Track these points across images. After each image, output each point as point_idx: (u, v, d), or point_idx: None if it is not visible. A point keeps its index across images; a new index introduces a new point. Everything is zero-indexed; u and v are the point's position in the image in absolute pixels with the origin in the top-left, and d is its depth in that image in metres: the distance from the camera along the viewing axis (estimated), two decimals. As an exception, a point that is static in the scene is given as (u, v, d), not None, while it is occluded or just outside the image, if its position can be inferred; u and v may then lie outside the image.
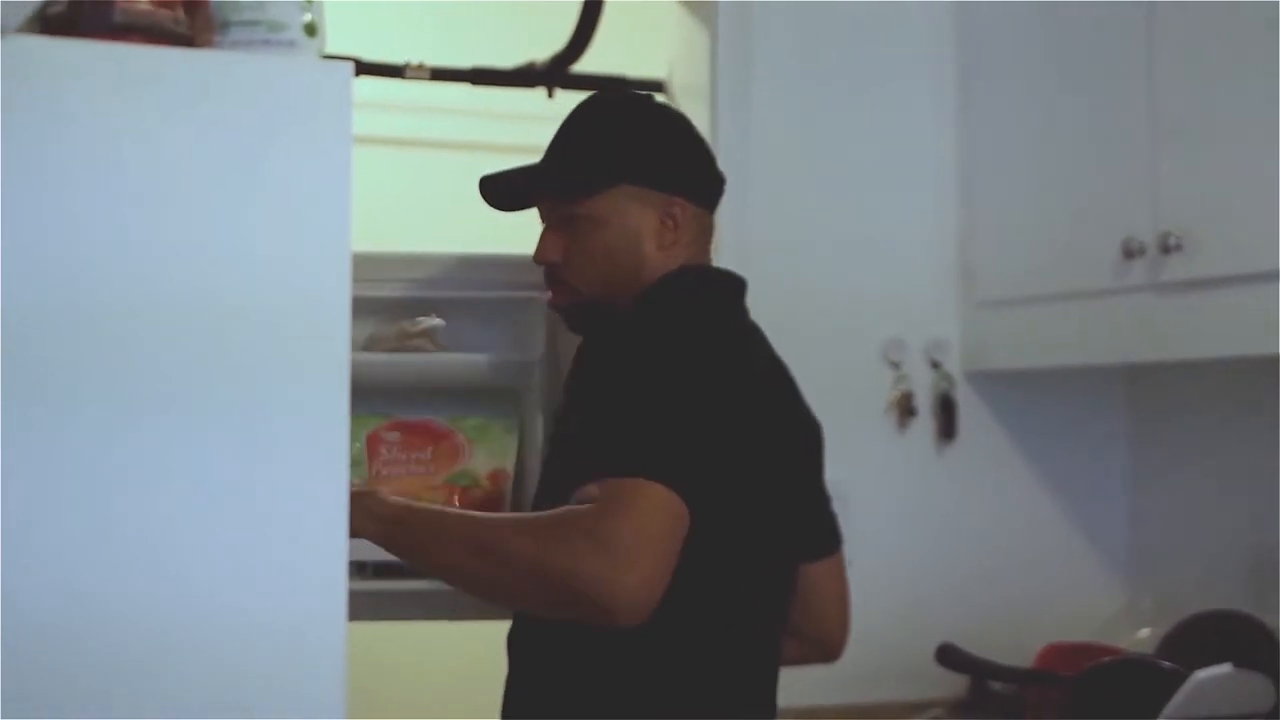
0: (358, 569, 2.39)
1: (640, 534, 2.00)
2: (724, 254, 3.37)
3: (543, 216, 2.44)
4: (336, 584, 1.51)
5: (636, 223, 2.35)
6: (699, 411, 2.14)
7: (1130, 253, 2.99)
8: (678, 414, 2.12)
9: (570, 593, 1.99)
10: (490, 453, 2.60)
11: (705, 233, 2.44)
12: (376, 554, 2.16)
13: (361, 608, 1.61)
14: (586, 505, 2.02)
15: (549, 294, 2.44)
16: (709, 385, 2.17)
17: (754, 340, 2.39)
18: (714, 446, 2.13)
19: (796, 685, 3.33)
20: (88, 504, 1.44)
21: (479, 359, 2.64)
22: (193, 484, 1.47)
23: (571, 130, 2.42)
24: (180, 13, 1.54)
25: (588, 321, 2.38)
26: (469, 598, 2.23)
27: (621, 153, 2.37)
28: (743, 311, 2.43)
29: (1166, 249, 2.92)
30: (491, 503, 2.57)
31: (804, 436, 2.47)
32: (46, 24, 1.51)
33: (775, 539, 2.35)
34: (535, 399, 2.69)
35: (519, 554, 2.03)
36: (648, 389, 2.12)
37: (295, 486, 1.51)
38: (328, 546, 1.51)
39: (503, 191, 2.45)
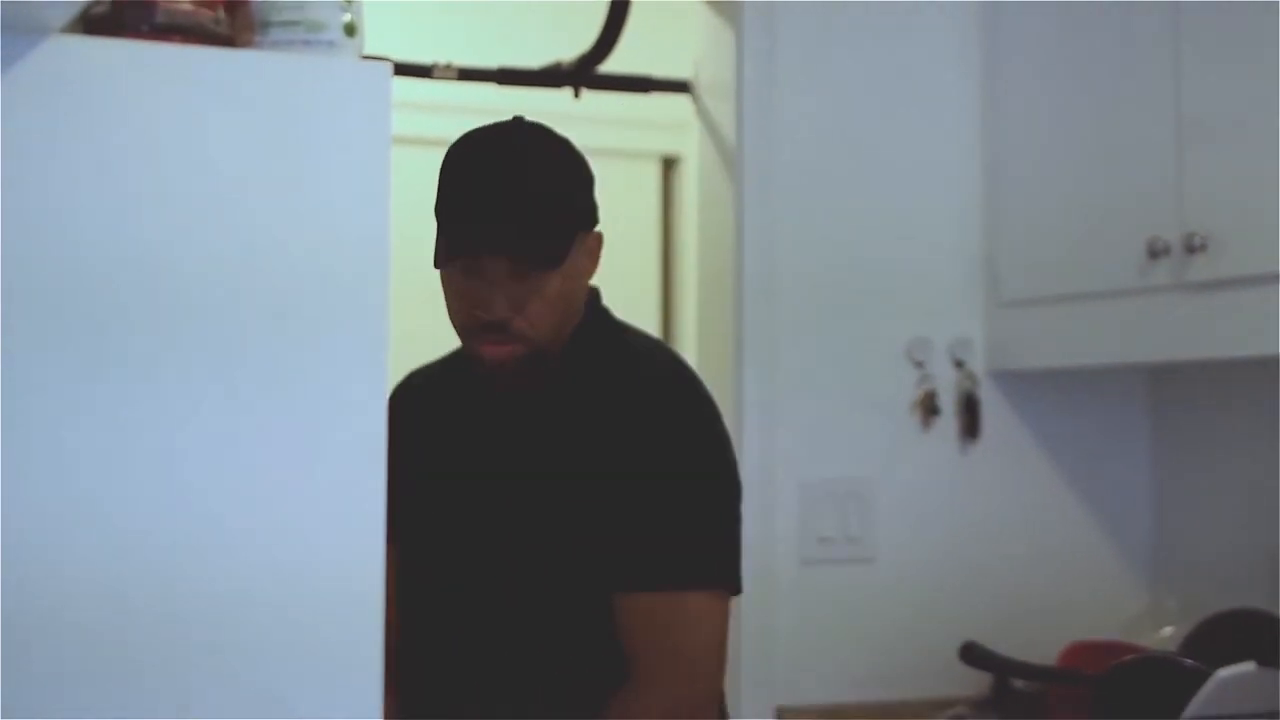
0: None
1: (719, 653, 2.28)
2: (749, 253, 3.40)
3: (481, 270, 2.27)
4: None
5: (582, 264, 2.35)
6: (734, 503, 2.34)
7: (1155, 252, 3.00)
8: (726, 513, 2.31)
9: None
10: None
11: None
12: None
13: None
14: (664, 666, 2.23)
15: (491, 350, 2.29)
16: (731, 473, 2.35)
17: None
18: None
19: (820, 683, 3.35)
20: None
21: None
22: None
23: (530, 185, 2.26)
24: (221, 13, 1.55)
25: (531, 369, 2.30)
26: None
27: (577, 203, 2.33)
28: None
29: (1191, 249, 2.93)
30: None
31: None
32: (90, 24, 1.53)
33: None
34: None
35: None
36: (702, 492, 2.29)
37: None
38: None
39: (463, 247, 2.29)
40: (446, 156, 2.33)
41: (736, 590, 2.29)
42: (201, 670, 1.48)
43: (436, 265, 2.31)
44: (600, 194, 4.74)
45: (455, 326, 2.34)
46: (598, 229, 2.38)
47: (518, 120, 2.35)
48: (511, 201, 2.25)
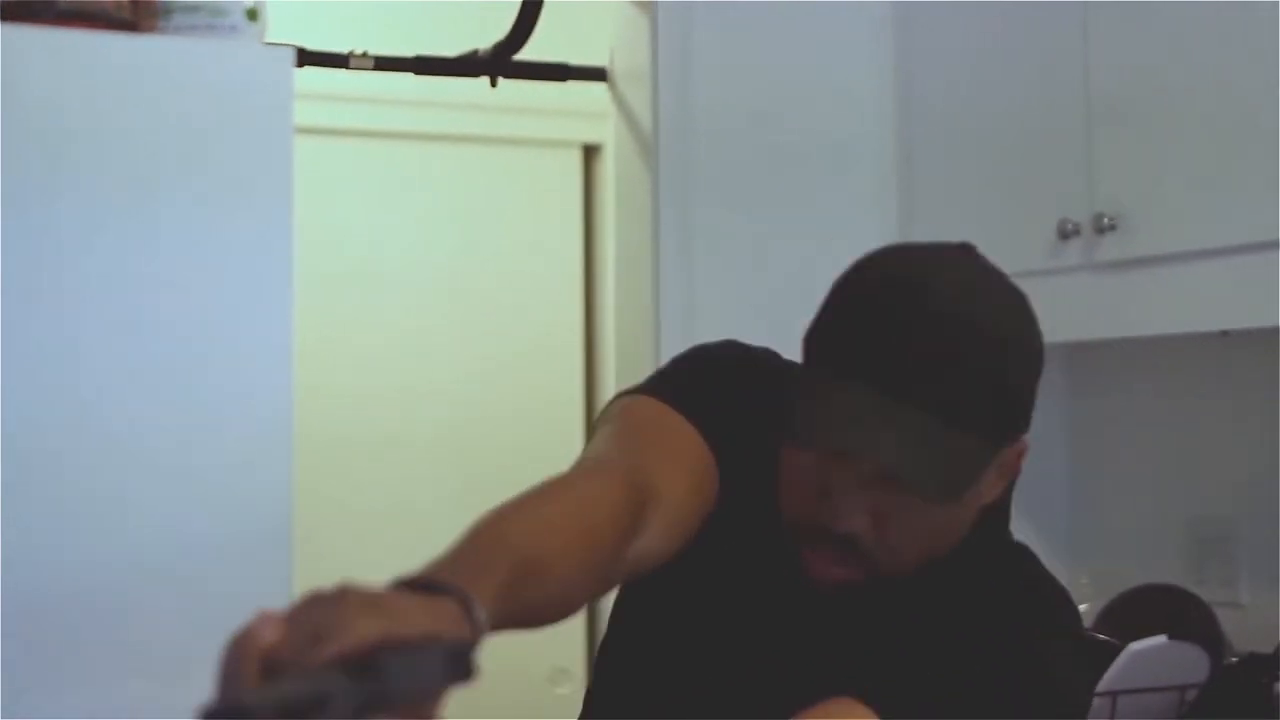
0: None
1: None
2: (666, 241, 3.42)
3: (845, 463, 1.62)
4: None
5: (987, 486, 1.73)
6: None
7: (1065, 234, 3.04)
8: None
9: None
10: None
11: None
12: None
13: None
14: None
15: (823, 569, 1.67)
16: None
17: None
18: None
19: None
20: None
21: None
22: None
23: (961, 382, 1.61)
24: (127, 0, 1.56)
25: (864, 590, 1.70)
26: None
27: (1012, 408, 1.71)
28: None
29: (1101, 229, 2.97)
30: None
31: None
32: (-6, 11, 1.53)
33: None
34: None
35: None
36: None
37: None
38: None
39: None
40: (863, 292, 1.68)
41: None
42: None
43: (795, 441, 1.63)
44: (521, 183, 4.75)
45: (783, 509, 1.67)
46: (1025, 438, 1.70)
47: (964, 255, 1.69)
48: (931, 406, 1.57)
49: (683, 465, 1.64)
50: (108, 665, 1.50)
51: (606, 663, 1.86)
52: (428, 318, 4.51)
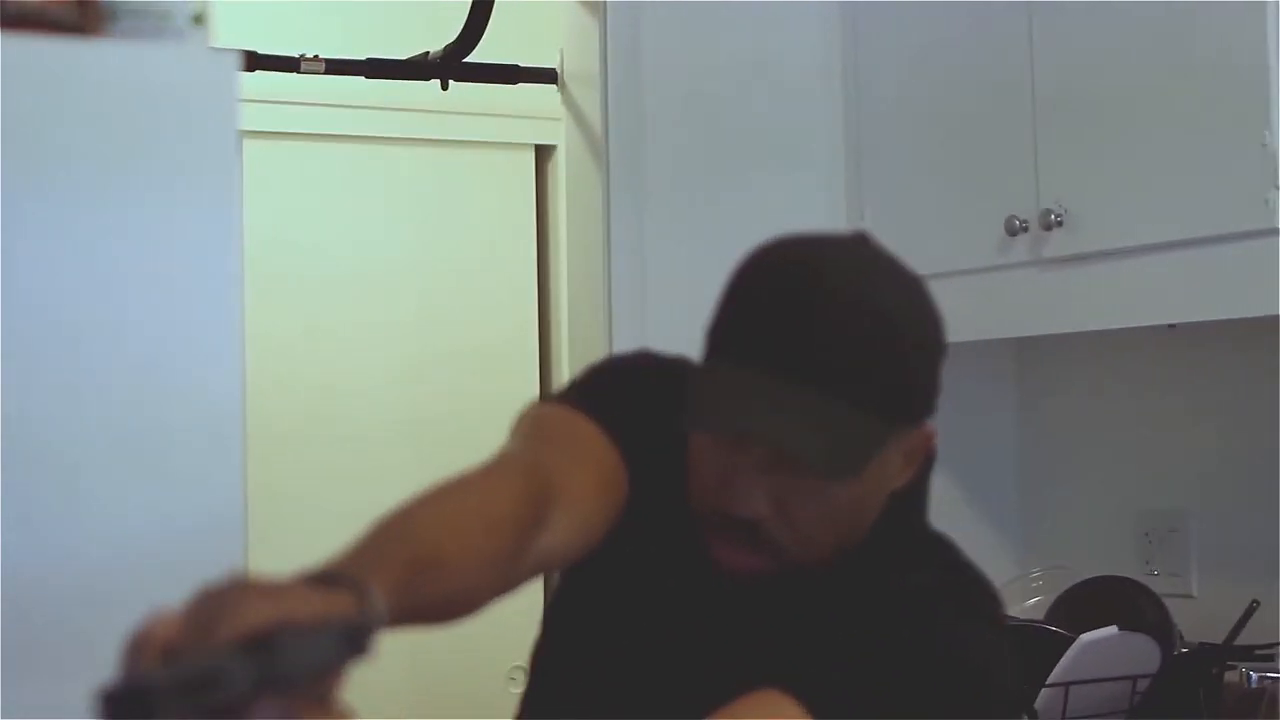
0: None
1: None
2: (618, 243, 3.43)
3: (745, 448, 1.63)
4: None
5: (892, 468, 1.73)
6: None
7: (1014, 230, 3.06)
8: None
9: None
10: None
11: None
12: None
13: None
14: None
15: (729, 555, 1.66)
16: None
17: None
18: None
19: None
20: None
21: None
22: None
23: (847, 360, 1.60)
24: (73, 4, 1.57)
25: (775, 579, 1.69)
26: None
27: (909, 387, 1.69)
28: None
29: (1049, 226, 2.99)
30: None
31: None
32: (-60, 17, 1.54)
33: None
34: None
35: None
36: None
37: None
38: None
39: None
40: (753, 278, 1.69)
41: None
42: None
43: (687, 426, 1.64)
44: (474, 185, 4.75)
45: (693, 500, 1.67)
46: (929, 423, 1.71)
47: (857, 242, 1.73)
48: (821, 384, 1.57)
49: (587, 464, 1.67)
50: (46, 664, 1.50)
51: (538, 665, 1.87)
52: (383, 320, 4.52)
